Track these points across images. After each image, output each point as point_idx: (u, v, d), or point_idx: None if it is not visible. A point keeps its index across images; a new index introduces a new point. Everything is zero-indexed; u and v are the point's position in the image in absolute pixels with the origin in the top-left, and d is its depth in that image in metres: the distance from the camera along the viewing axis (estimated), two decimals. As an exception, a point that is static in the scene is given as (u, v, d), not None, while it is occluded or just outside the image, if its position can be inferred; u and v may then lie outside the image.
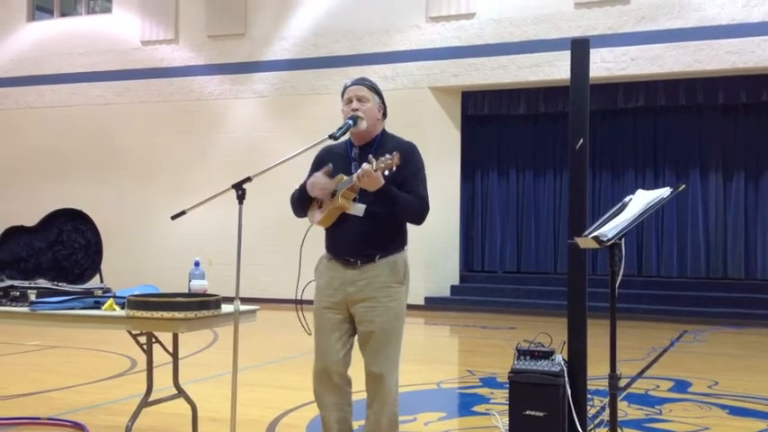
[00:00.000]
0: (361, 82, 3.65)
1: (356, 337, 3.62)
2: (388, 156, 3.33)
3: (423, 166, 3.63)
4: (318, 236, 3.68)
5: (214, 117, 13.82)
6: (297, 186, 3.71)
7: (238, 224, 3.39)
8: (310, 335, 3.66)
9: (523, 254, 13.36)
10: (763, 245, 12.07)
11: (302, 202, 3.64)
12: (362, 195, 3.49)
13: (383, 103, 3.68)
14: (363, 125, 3.56)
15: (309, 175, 3.67)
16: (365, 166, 3.34)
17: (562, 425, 3.96)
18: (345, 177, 3.52)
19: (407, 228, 3.67)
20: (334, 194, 3.52)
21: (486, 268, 13.55)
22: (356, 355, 3.61)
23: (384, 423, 3.55)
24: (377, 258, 3.54)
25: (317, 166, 3.68)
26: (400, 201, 3.48)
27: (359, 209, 3.50)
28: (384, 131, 3.68)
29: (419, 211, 3.54)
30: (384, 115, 3.69)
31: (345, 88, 3.66)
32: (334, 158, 3.63)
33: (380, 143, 3.61)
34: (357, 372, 3.61)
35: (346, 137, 3.63)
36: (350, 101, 3.59)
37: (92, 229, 4.88)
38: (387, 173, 3.35)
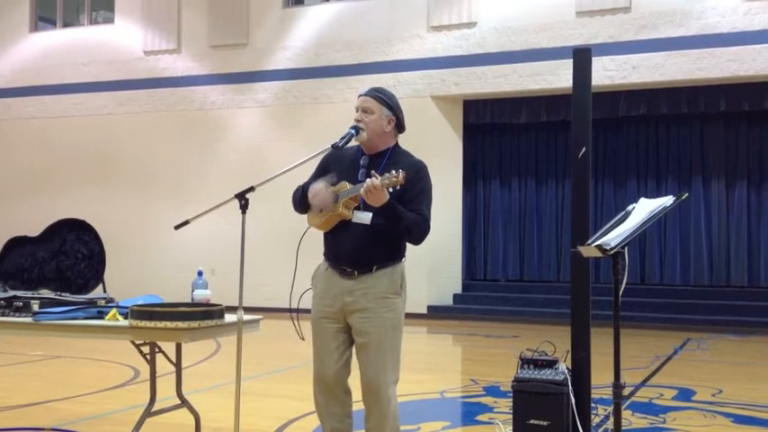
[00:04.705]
0: (371, 93, 3.62)
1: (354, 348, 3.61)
2: (393, 172, 3.32)
3: (430, 186, 3.59)
4: (319, 241, 3.67)
5: (216, 127, 13.83)
6: (301, 184, 3.71)
7: (241, 233, 3.39)
8: (303, 340, 3.66)
9: (526, 262, 13.35)
10: (766, 252, 12.05)
11: (303, 202, 3.63)
12: (368, 205, 3.45)
13: (397, 115, 3.61)
14: (363, 136, 3.56)
15: (315, 175, 3.68)
16: (369, 180, 3.33)
17: (566, 434, 3.95)
18: (349, 185, 3.50)
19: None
20: (336, 199, 3.51)
21: (488, 277, 13.53)
22: (355, 364, 3.61)
23: None
24: (374, 269, 3.52)
25: (323, 166, 3.69)
26: (404, 219, 3.45)
27: (365, 217, 3.48)
28: (397, 145, 3.65)
29: (421, 231, 3.51)
30: (399, 128, 3.64)
31: (359, 96, 3.66)
32: (344, 161, 3.62)
33: (391, 157, 3.59)
34: (357, 382, 3.60)
35: (355, 142, 3.60)
36: (357, 110, 3.60)
37: (95, 239, 4.89)
38: (392, 189, 3.35)
